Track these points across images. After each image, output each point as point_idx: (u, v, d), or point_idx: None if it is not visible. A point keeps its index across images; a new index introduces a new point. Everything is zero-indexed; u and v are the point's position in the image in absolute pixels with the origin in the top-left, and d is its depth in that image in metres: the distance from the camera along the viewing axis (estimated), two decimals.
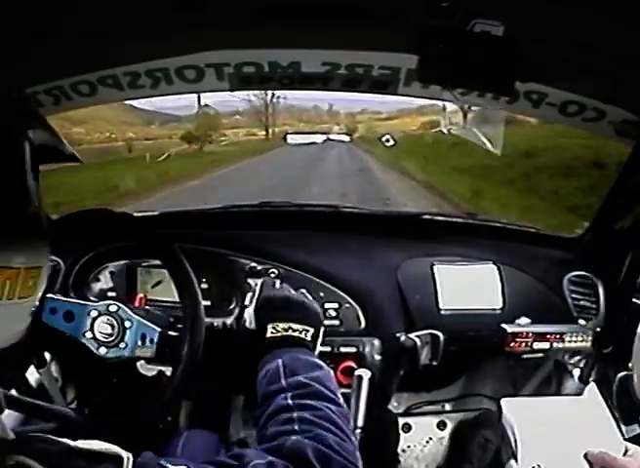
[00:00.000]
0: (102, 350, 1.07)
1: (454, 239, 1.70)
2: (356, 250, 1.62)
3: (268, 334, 1.00)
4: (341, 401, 0.88)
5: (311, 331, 1.02)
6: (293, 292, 1.12)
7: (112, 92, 1.37)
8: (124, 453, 0.63)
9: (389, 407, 1.74)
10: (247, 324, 1.06)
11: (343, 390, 1.42)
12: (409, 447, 1.91)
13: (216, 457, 0.74)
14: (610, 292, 1.62)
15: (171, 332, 1.11)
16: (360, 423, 1.32)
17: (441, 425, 1.93)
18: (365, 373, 1.30)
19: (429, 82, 1.23)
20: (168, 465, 0.65)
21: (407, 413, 1.92)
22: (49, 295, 1.09)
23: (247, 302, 1.18)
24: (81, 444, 0.62)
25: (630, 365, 0.92)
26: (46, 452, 0.59)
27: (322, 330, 1.07)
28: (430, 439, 1.92)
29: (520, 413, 1.13)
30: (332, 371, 0.96)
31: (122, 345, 1.06)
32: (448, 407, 1.97)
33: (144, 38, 1.10)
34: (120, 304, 1.09)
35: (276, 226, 1.67)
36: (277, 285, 1.16)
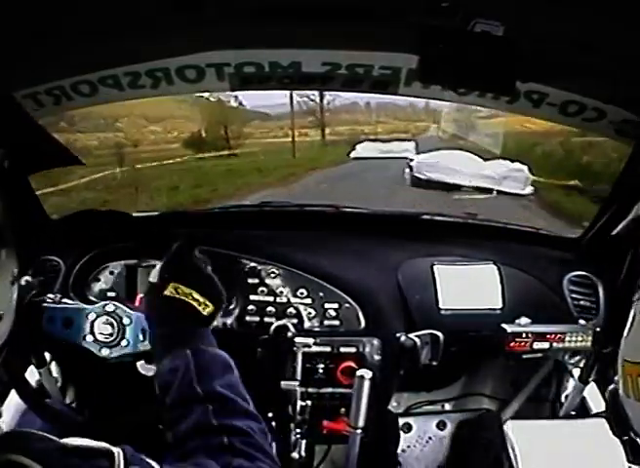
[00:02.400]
0: (105, 351, 1.06)
1: (454, 239, 1.70)
2: (356, 250, 1.62)
3: (167, 292, 0.96)
4: (254, 409, 0.88)
5: (210, 307, 0.98)
6: (208, 267, 1.08)
7: (113, 92, 1.37)
8: (114, 449, 0.63)
9: (389, 407, 1.74)
10: (151, 277, 1.01)
11: (344, 390, 1.43)
12: (409, 447, 1.91)
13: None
14: (610, 292, 1.62)
15: None
16: (361, 424, 1.33)
17: (441, 425, 1.93)
18: (366, 374, 1.30)
19: (430, 82, 1.23)
20: (149, 461, 0.66)
21: (407, 413, 1.92)
22: (45, 304, 1.09)
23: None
24: (73, 441, 0.62)
25: (616, 378, 0.91)
26: (41, 450, 0.59)
27: (220, 313, 1.02)
28: (430, 439, 1.92)
29: (524, 437, 1.12)
30: (237, 371, 0.93)
31: (124, 343, 1.06)
32: (448, 407, 1.97)
33: (144, 38, 1.10)
34: (116, 303, 1.09)
35: (276, 226, 1.67)
36: (197, 253, 1.10)
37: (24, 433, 0.64)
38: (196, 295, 0.97)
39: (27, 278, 1.09)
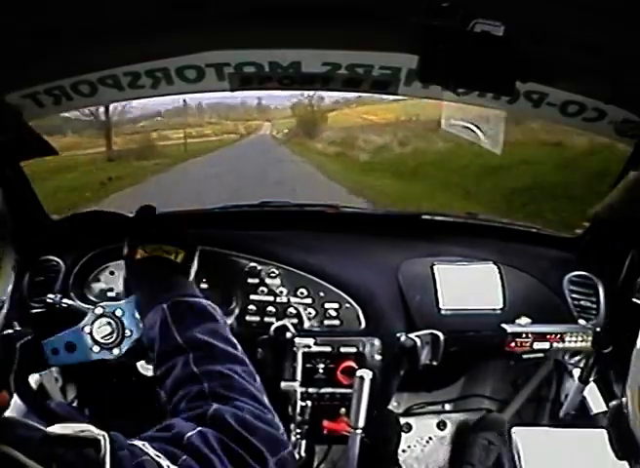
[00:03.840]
0: (116, 351, 1.07)
1: (454, 239, 1.70)
2: (356, 250, 1.62)
3: (138, 256, 0.98)
4: (241, 353, 0.87)
5: (182, 253, 1.00)
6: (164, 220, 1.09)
7: (112, 92, 1.37)
8: (99, 435, 0.62)
9: (390, 407, 1.74)
10: (122, 251, 1.04)
11: (344, 390, 1.43)
12: (409, 447, 1.91)
13: (145, 433, 0.73)
14: (610, 292, 1.62)
15: None
16: (361, 424, 1.33)
17: (441, 425, 1.93)
18: (366, 374, 1.30)
19: (430, 82, 1.22)
20: (136, 443, 0.66)
21: (407, 413, 1.92)
22: (44, 340, 1.09)
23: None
24: (57, 429, 0.62)
25: (627, 389, 0.89)
26: (25, 439, 0.59)
27: (197, 254, 1.04)
28: (430, 439, 1.92)
29: (530, 443, 1.11)
30: (224, 319, 0.93)
31: (127, 333, 1.07)
32: (448, 407, 1.97)
33: (144, 38, 1.09)
34: (103, 303, 1.10)
35: (276, 226, 1.67)
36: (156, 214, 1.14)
37: (9, 420, 0.64)
38: (165, 247, 0.99)
39: (17, 328, 1.11)
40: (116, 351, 1.06)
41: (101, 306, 1.08)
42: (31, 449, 0.58)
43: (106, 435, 0.63)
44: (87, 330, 1.07)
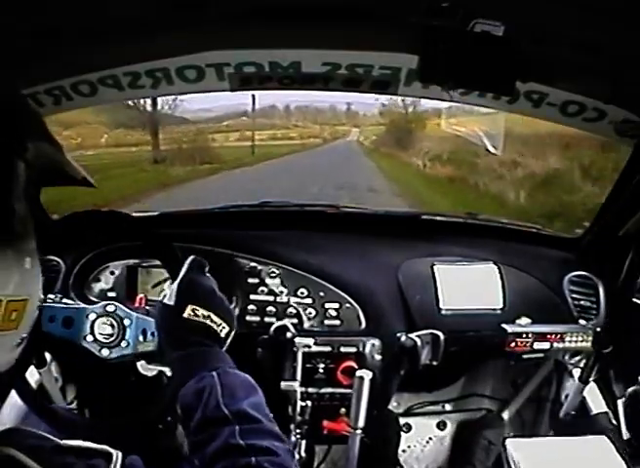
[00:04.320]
0: (105, 352, 1.06)
1: (454, 239, 1.70)
2: (356, 250, 1.62)
3: (186, 314, 0.96)
4: (280, 432, 0.87)
5: (227, 329, 1.00)
6: (217, 287, 1.08)
7: (112, 92, 1.37)
8: (113, 451, 0.63)
9: (390, 407, 1.74)
10: (166, 298, 1.01)
11: (344, 390, 1.43)
12: (409, 447, 1.91)
13: None
14: (610, 292, 1.62)
15: None
16: (361, 424, 1.33)
17: (441, 425, 1.93)
18: (366, 375, 1.30)
19: (430, 82, 1.23)
20: None
21: (407, 413, 1.92)
22: (46, 304, 1.09)
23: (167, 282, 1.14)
24: (70, 442, 0.62)
25: None
26: (36, 448, 0.59)
27: (232, 335, 1.04)
28: (431, 439, 1.93)
29: (526, 454, 1.11)
30: (261, 392, 0.93)
31: (124, 344, 1.06)
32: (448, 407, 1.97)
33: (144, 38, 1.09)
34: (117, 304, 1.09)
35: (276, 226, 1.67)
36: (206, 272, 1.10)
37: (21, 430, 0.64)
38: (214, 317, 0.98)
39: None
40: (105, 352, 1.06)
41: (115, 306, 1.08)
42: (42, 457, 0.58)
43: (120, 454, 0.63)
44: (91, 317, 1.07)
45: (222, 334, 0.98)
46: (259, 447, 0.80)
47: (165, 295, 1.02)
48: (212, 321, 0.97)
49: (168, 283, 1.12)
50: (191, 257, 1.05)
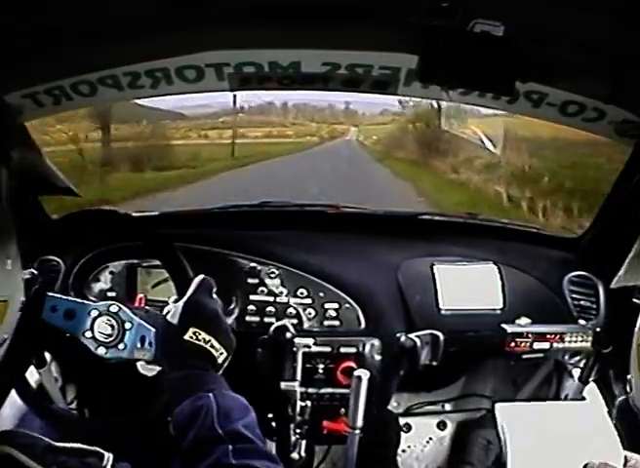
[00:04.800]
0: (101, 350, 1.06)
1: (454, 239, 1.70)
2: (356, 250, 1.62)
3: (187, 337, 0.98)
4: (273, 454, 0.89)
5: (224, 355, 1.01)
6: (221, 310, 1.09)
7: (112, 92, 1.37)
8: (105, 452, 0.64)
9: (389, 407, 1.74)
10: (170, 315, 1.03)
11: (344, 390, 1.43)
12: (409, 447, 1.91)
13: None
14: (610, 292, 1.62)
15: None
16: (359, 424, 1.33)
17: (441, 425, 1.93)
18: (364, 374, 1.30)
19: (430, 82, 1.23)
20: None
21: (407, 413, 1.92)
22: (50, 294, 1.09)
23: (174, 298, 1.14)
24: (61, 444, 0.63)
25: (628, 388, 0.90)
26: (30, 446, 0.60)
27: (229, 360, 1.05)
28: (430, 439, 1.93)
29: (515, 420, 1.12)
30: (254, 413, 0.94)
31: (121, 346, 1.06)
32: (448, 407, 1.97)
33: (144, 38, 1.09)
34: (121, 305, 1.09)
35: (276, 226, 1.67)
36: (214, 294, 1.11)
37: (15, 431, 0.65)
38: (215, 343, 0.99)
39: (32, 270, 1.10)
40: (101, 350, 1.06)
41: (119, 306, 1.08)
42: (35, 454, 0.59)
43: (111, 456, 0.64)
44: (93, 314, 1.07)
45: (220, 360, 1.00)
46: (249, 466, 0.80)
47: (169, 312, 1.04)
48: (212, 346, 0.99)
49: (173, 298, 1.13)
50: (200, 277, 1.07)
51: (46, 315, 1.06)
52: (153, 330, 1.08)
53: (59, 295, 1.09)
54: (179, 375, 0.96)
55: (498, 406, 1.17)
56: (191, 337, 0.98)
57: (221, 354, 1.00)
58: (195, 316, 1.02)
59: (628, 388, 0.91)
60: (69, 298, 1.11)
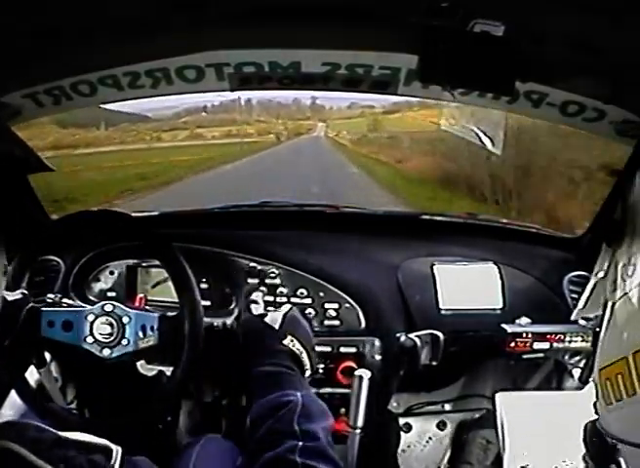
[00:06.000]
0: (106, 351, 1.06)
1: (454, 239, 1.70)
2: (356, 250, 1.62)
3: (286, 341, 1.05)
4: (339, 461, 0.90)
5: (309, 371, 1.08)
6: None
7: (112, 92, 1.37)
8: (113, 446, 0.63)
9: (389, 407, 1.74)
10: (268, 319, 1.10)
11: (344, 390, 1.43)
12: (409, 447, 1.91)
13: None
14: None
15: (169, 313, 1.12)
16: (360, 423, 1.33)
17: (441, 425, 1.93)
18: (365, 374, 1.30)
19: (430, 82, 1.23)
20: None
21: (407, 413, 1.92)
22: (43, 309, 1.09)
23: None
24: (71, 435, 0.62)
25: (596, 401, 0.91)
26: (36, 440, 0.59)
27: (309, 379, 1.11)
28: (430, 439, 1.92)
29: (514, 409, 1.12)
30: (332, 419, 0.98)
31: (124, 342, 1.06)
32: (448, 407, 1.97)
33: (144, 38, 1.09)
34: (115, 303, 1.09)
35: (276, 226, 1.67)
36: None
37: (21, 423, 0.64)
38: (304, 356, 1.06)
39: (23, 291, 1.10)
40: (106, 352, 1.06)
41: (113, 304, 1.08)
42: (41, 449, 0.58)
43: (120, 449, 0.63)
44: (90, 318, 1.07)
45: (306, 374, 1.06)
46: (313, 466, 0.81)
47: (266, 315, 1.12)
48: (303, 357, 1.06)
49: (272, 309, 1.23)
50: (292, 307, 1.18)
51: (44, 331, 1.07)
52: (153, 314, 1.08)
53: (52, 309, 1.09)
54: (271, 371, 1.00)
55: (498, 395, 1.18)
56: (289, 343, 1.05)
57: (307, 369, 1.06)
58: (294, 326, 1.10)
59: (594, 411, 0.93)
60: (63, 309, 1.10)
